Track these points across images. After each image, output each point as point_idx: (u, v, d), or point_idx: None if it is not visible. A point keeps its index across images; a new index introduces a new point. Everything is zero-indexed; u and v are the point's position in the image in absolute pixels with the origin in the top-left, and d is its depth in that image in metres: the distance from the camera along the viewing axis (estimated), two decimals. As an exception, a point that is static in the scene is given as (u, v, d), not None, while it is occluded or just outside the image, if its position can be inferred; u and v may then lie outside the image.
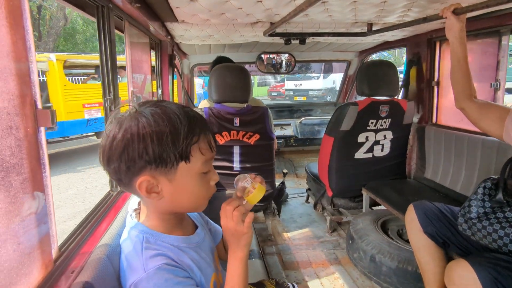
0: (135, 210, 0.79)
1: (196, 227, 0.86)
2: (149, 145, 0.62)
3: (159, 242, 0.71)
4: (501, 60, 1.78)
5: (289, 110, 4.08)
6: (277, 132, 3.78)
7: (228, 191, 2.16)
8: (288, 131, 3.90)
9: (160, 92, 2.22)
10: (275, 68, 3.57)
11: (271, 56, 3.44)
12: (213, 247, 0.87)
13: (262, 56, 3.34)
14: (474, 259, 1.13)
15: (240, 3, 1.42)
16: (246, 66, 2.82)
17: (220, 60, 2.61)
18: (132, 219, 0.76)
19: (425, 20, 1.50)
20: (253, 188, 0.80)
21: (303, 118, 3.94)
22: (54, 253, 0.73)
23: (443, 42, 2.24)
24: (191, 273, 0.72)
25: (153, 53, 2.16)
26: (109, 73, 1.12)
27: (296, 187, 3.62)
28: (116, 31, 1.37)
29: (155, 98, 2.03)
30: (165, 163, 0.64)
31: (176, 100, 3.44)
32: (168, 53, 2.28)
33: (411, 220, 1.52)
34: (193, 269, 0.73)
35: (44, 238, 0.67)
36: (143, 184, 0.65)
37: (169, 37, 2.13)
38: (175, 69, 2.45)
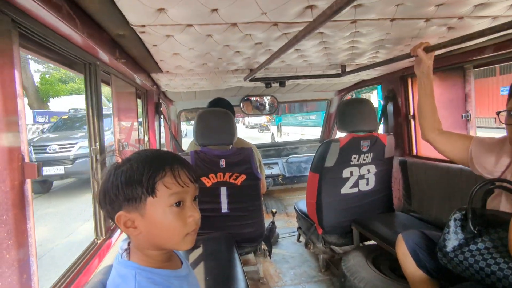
0: (125, 250, 0.80)
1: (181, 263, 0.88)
2: (121, 186, 0.71)
3: (150, 275, 0.74)
4: (467, 93, 1.91)
5: (276, 149, 4.17)
6: (266, 171, 3.82)
7: (215, 234, 2.14)
8: (276, 170, 3.94)
9: (146, 138, 2.26)
10: (259, 110, 3.70)
11: (254, 98, 3.58)
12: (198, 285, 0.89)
13: (246, 99, 3.48)
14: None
15: (220, 54, 1.53)
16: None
17: (217, 102, 2.64)
18: (122, 258, 0.78)
19: (391, 60, 1.63)
20: None
21: (289, 156, 4.01)
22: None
23: (414, 78, 2.39)
24: None
25: (140, 102, 2.24)
26: (95, 124, 1.17)
27: (287, 226, 3.58)
28: (103, 84, 1.45)
29: (141, 145, 2.07)
30: (135, 199, 0.71)
31: (166, 144, 3.49)
32: (155, 101, 2.37)
33: (403, 255, 1.52)
34: None
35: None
36: (120, 218, 0.72)
37: (154, 86, 2.23)
38: (162, 116, 2.52)
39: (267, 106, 3.61)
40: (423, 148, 2.42)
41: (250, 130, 25.19)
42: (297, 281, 2.45)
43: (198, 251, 1.92)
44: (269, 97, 3.55)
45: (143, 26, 1.02)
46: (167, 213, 0.73)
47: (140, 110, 2.22)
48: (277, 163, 3.98)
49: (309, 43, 1.40)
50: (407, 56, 1.50)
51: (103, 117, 1.21)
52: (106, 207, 0.74)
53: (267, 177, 3.76)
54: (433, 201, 2.17)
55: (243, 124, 29.60)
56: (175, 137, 3.44)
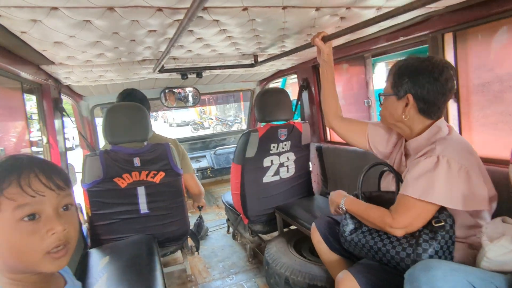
0: None
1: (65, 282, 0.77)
2: None
3: None
4: (368, 81, 2.04)
5: (203, 142, 4.08)
6: (193, 165, 3.71)
7: (134, 237, 2.01)
8: (204, 163, 3.86)
9: (45, 140, 2.00)
10: (183, 101, 3.55)
11: (176, 90, 3.43)
12: None
13: (166, 91, 3.31)
14: (355, 269, 1.21)
15: (113, 43, 1.39)
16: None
17: (128, 94, 2.40)
18: None
19: (296, 50, 1.65)
20: None
21: (217, 148, 3.95)
22: None
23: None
24: None
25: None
26: None
27: (217, 219, 3.55)
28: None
29: (34, 148, 1.82)
30: None
31: (80, 144, 3.16)
32: (53, 97, 2.10)
33: (318, 242, 1.59)
34: None
35: None
36: None
37: (50, 80, 1.98)
38: (65, 113, 2.25)
39: (190, 98, 3.49)
40: (335, 134, 2.56)
41: (177, 129, 19.25)
42: (226, 274, 2.44)
43: (115, 258, 1.78)
44: (191, 89, 3.43)
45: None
46: (15, 229, 0.62)
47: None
48: (204, 156, 3.90)
49: (208, 31, 1.34)
50: (308, 46, 1.53)
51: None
52: None
53: (196, 171, 3.67)
54: (345, 183, 2.30)
55: (165, 121, 23.44)
56: (87, 135, 3.15)
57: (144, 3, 0.92)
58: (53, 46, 1.30)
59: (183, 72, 2.32)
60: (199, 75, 2.45)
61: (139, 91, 2.45)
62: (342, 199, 1.39)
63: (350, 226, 1.35)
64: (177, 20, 1.14)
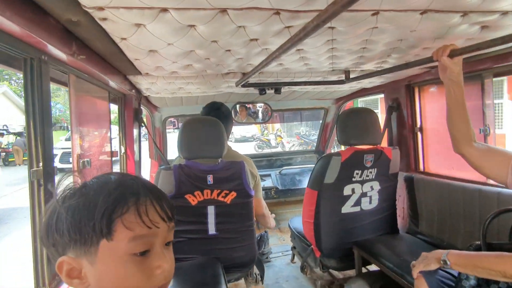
0: None
1: None
2: (67, 223, 0.52)
3: None
4: (487, 104, 1.70)
5: (268, 160, 3.91)
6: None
7: (200, 260, 1.88)
8: (268, 182, 3.68)
9: (123, 150, 1.98)
10: (252, 117, 3.45)
11: (246, 105, 3.33)
12: None
13: (237, 106, 3.22)
14: None
15: (207, 53, 1.28)
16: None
17: (212, 105, 2.28)
18: None
19: (407, 66, 1.41)
20: None
21: (283, 168, 3.76)
22: None
23: (422, 87, 2.19)
24: None
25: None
26: (37, 137, 0.90)
27: (280, 244, 3.32)
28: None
29: (114, 159, 1.79)
30: (84, 240, 0.52)
31: (150, 155, 3.20)
32: (134, 107, 2.09)
33: None
34: None
35: None
36: (62, 266, 0.53)
37: (133, 90, 1.96)
38: (144, 124, 2.24)
39: (260, 114, 3.36)
40: (431, 164, 2.20)
41: (234, 145, 12.00)
42: None
43: (180, 280, 1.66)
44: (262, 105, 3.31)
45: (101, 9, 0.76)
46: (126, 263, 0.52)
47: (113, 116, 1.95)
48: (269, 175, 3.72)
49: (315, 41, 1.16)
50: (427, 60, 1.27)
51: (51, 127, 0.94)
52: (50, 249, 0.56)
53: (260, 190, 3.50)
54: (444, 223, 1.94)
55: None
56: (159, 147, 3.16)
57: (265, 3, 0.77)
58: (146, 55, 1.23)
59: (262, 88, 2.18)
60: (277, 90, 2.30)
61: (227, 107, 2.35)
62: (442, 254, 1.12)
63: (471, 281, 1.10)
64: (288, 27, 0.97)
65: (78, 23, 0.85)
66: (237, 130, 18.46)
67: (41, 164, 0.89)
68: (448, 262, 1.13)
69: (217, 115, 2.14)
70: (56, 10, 0.78)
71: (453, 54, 1.16)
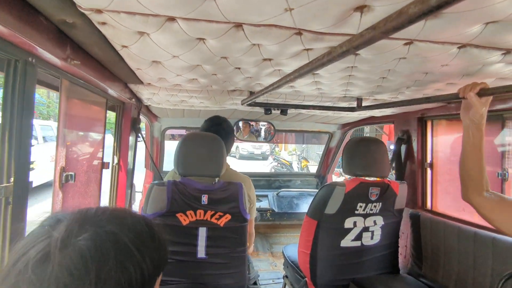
0: None
1: None
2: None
3: None
4: (507, 147, 1.60)
5: (267, 180, 3.78)
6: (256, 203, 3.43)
7: (185, 286, 1.74)
8: (265, 203, 3.54)
9: (116, 160, 1.86)
10: (254, 135, 3.35)
11: (250, 123, 3.23)
12: None
13: (240, 123, 3.13)
14: None
15: (215, 69, 1.18)
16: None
17: (214, 120, 2.14)
18: None
19: (427, 100, 1.30)
20: None
21: (281, 190, 3.63)
22: None
23: (436, 121, 2.09)
24: None
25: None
26: (12, 148, 0.77)
27: (271, 270, 3.16)
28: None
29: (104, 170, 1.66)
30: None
31: (146, 164, 3.08)
32: (133, 116, 1.99)
33: None
34: None
35: None
36: None
37: (133, 99, 1.86)
38: (140, 134, 2.13)
39: (262, 133, 3.26)
40: (440, 203, 2.09)
41: (239, 163, 13.53)
42: None
43: None
44: (265, 123, 3.21)
45: (100, 11, 0.66)
46: None
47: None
48: (266, 196, 3.59)
49: (334, 66, 1.07)
50: (451, 97, 1.17)
51: (30, 137, 0.82)
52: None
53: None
54: (451, 269, 1.81)
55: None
56: (156, 157, 3.05)
57: (288, 21, 0.67)
58: (149, 65, 1.13)
59: (269, 108, 2.09)
60: (284, 112, 2.21)
61: (229, 123, 2.23)
62: None
63: None
64: (307, 50, 0.88)
65: (74, 25, 0.75)
66: (244, 145, 15.35)
67: (11, 179, 0.77)
68: None
69: (218, 130, 2.04)
70: (48, 9, 0.68)
71: (483, 93, 1.06)
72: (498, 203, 1.14)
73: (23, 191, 0.80)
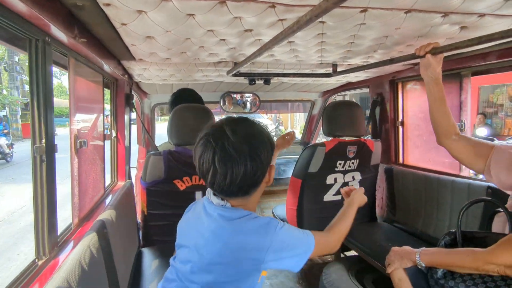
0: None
1: None
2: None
3: None
4: (463, 101, 1.82)
5: None
6: None
7: None
8: None
9: (114, 134, 2.01)
10: (240, 107, 3.50)
11: (234, 95, 3.37)
12: None
13: (225, 95, 3.27)
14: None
15: (201, 41, 1.33)
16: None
17: (180, 94, 2.36)
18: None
19: (391, 61, 1.49)
20: None
21: None
22: None
23: (406, 83, 2.29)
24: None
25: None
26: (41, 115, 0.93)
27: (263, 231, 3.41)
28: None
29: (107, 141, 1.82)
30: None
31: (138, 141, 3.21)
32: (126, 93, 2.11)
33: (400, 280, 1.39)
34: None
35: None
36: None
37: (126, 76, 1.98)
38: (134, 109, 2.27)
39: (248, 104, 3.42)
40: (410, 156, 2.33)
41: None
42: None
43: (166, 262, 1.73)
44: (250, 95, 3.36)
45: (107, -5, 0.80)
46: None
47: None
48: None
49: (306, 34, 1.23)
50: (410, 57, 1.36)
51: (53, 107, 0.97)
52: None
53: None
54: (419, 213, 2.07)
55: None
56: (148, 132, 3.18)
57: (261, -3, 0.83)
58: (143, 41, 1.26)
59: (252, 78, 2.24)
60: (267, 81, 2.36)
61: (194, 91, 2.37)
62: (416, 255, 1.20)
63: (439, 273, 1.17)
64: (281, 20, 1.04)
65: (82, 7, 0.89)
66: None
67: (43, 140, 0.93)
68: (423, 264, 1.19)
69: (187, 100, 2.16)
70: (63, -7, 0.82)
71: (434, 51, 1.24)
72: (466, 144, 1.34)
73: (51, 151, 0.96)
